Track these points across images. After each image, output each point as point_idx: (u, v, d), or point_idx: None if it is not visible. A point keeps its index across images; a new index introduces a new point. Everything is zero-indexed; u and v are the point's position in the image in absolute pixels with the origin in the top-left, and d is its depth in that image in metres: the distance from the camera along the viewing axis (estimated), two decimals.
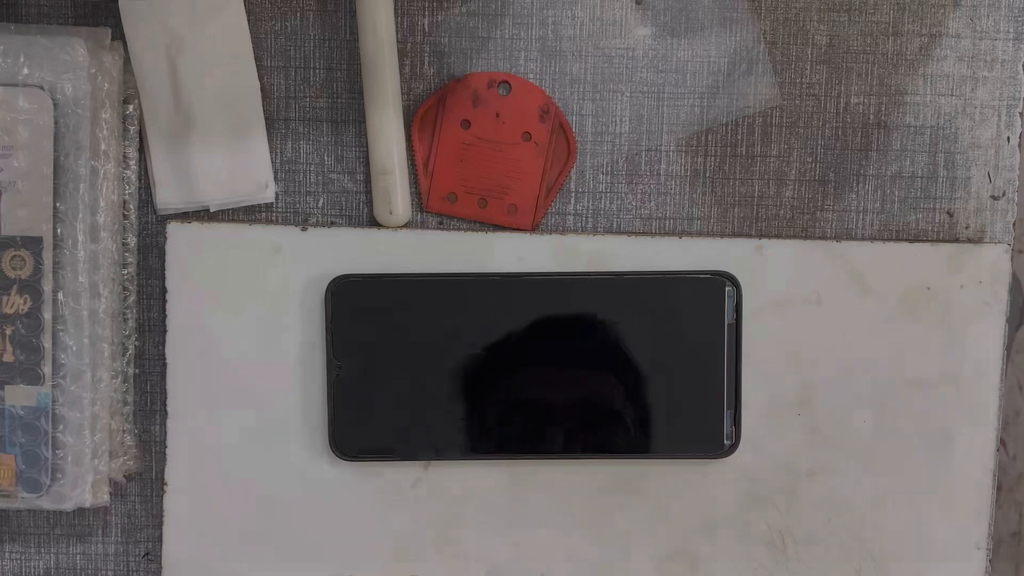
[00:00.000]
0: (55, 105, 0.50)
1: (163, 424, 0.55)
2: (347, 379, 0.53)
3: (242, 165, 0.54)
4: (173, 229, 0.54)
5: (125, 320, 0.54)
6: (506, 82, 0.54)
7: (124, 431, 0.54)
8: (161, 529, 0.55)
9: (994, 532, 0.55)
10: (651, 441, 0.53)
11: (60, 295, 0.51)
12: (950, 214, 0.55)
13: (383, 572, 0.55)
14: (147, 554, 0.55)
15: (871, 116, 0.55)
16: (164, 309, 0.54)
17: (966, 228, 0.55)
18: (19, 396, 0.51)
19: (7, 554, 0.55)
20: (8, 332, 0.51)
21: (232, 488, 0.54)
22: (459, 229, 0.54)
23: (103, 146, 0.51)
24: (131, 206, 0.54)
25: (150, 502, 0.55)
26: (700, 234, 0.55)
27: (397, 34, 0.54)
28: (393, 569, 0.55)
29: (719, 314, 0.53)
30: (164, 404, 0.54)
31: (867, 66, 0.54)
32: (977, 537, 0.55)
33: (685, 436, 0.53)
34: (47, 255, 0.51)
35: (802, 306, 0.54)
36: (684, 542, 0.55)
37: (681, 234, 0.55)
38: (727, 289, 0.53)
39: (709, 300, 0.53)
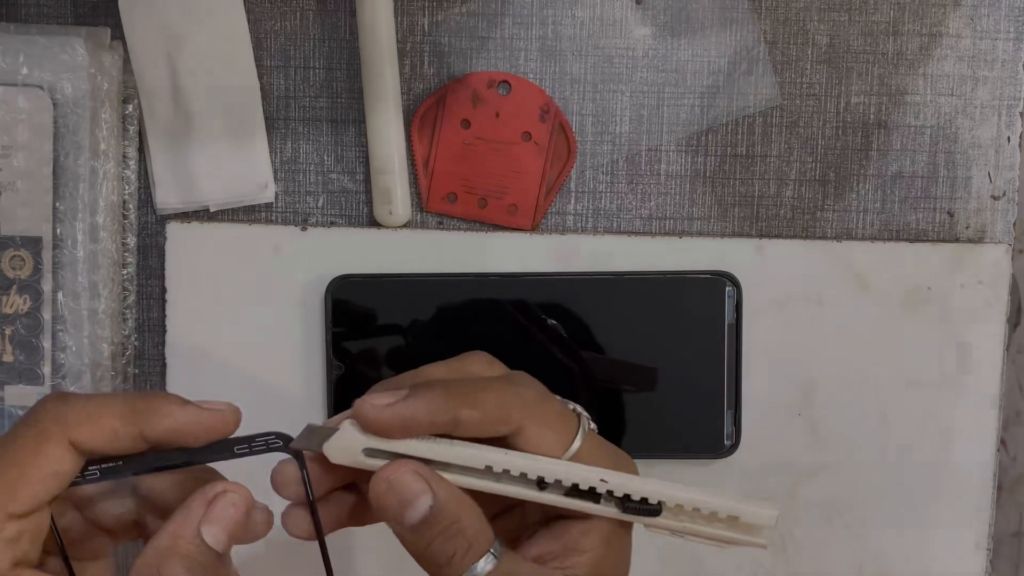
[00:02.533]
0: (55, 105, 0.50)
1: None
2: (347, 379, 0.53)
3: (242, 165, 0.53)
4: (173, 229, 0.54)
5: (125, 320, 0.54)
6: (506, 82, 0.54)
7: None
8: None
9: (994, 532, 0.55)
10: (652, 441, 0.53)
11: (60, 295, 0.51)
12: (950, 214, 0.55)
13: (383, 572, 0.54)
14: None
15: (871, 116, 0.55)
16: (164, 309, 0.54)
17: (966, 228, 0.55)
18: (19, 396, 0.51)
19: None
20: (8, 332, 0.51)
21: None
22: (459, 229, 0.54)
23: (103, 146, 0.51)
24: (131, 206, 0.54)
25: None
26: (700, 234, 0.55)
27: (397, 34, 0.54)
28: (393, 569, 0.55)
29: (719, 314, 0.53)
30: None
31: (867, 66, 0.54)
32: (977, 537, 0.55)
33: (685, 436, 0.53)
34: (47, 255, 0.51)
35: (802, 306, 0.54)
36: (684, 542, 0.55)
37: (681, 234, 0.55)
38: (727, 289, 0.53)
39: (709, 300, 0.53)
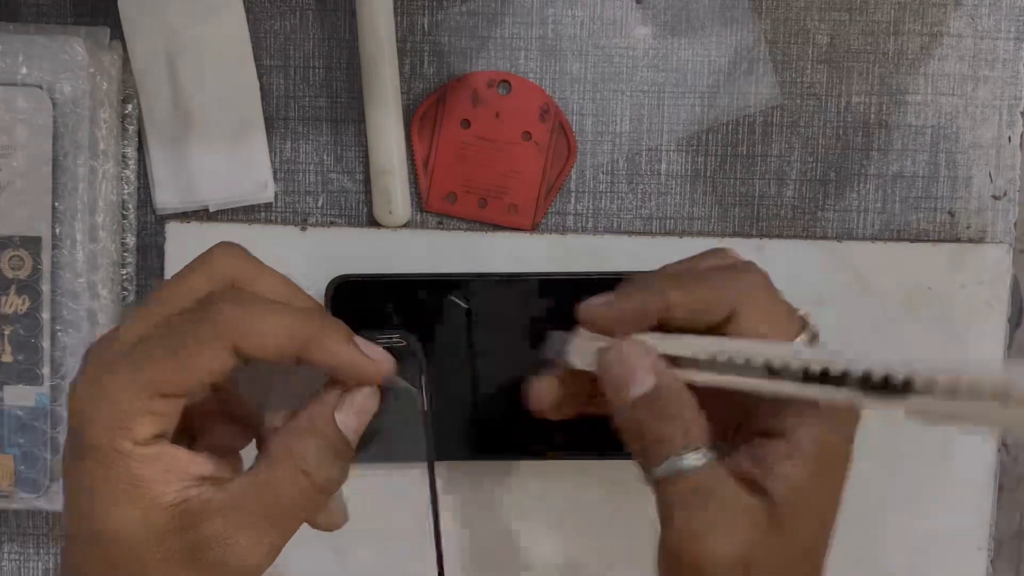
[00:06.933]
0: (54, 105, 0.50)
1: None
2: None
3: (241, 165, 0.53)
4: (172, 229, 0.54)
5: (124, 320, 0.54)
6: (506, 81, 0.54)
7: None
8: None
9: (995, 533, 0.55)
10: None
11: (59, 295, 0.51)
12: (951, 214, 0.55)
13: (382, 573, 0.54)
14: None
15: (872, 115, 0.55)
16: None
17: (967, 228, 0.55)
18: (18, 397, 0.51)
19: (6, 555, 0.55)
20: (7, 333, 0.51)
21: None
22: (459, 229, 0.54)
23: (102, 146, 0.51)
24: (130, 206, 0.54)
25: None
26: (700, 234, 0.55)
27: (397, 34, 0.53)
28: (393, 570, 0.55)
29: None
30: None
31: (868, 65, 0.54)
32: (978, 538, 0.55)
33: None
34: (46, 255, 0.51)
35: (802, 306, 0.54)
36: None
37: (681, 234, 0.54)
38: None
39: None
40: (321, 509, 0.39)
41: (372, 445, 0.41)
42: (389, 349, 0.40)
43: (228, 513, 0.37)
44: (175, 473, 0.37)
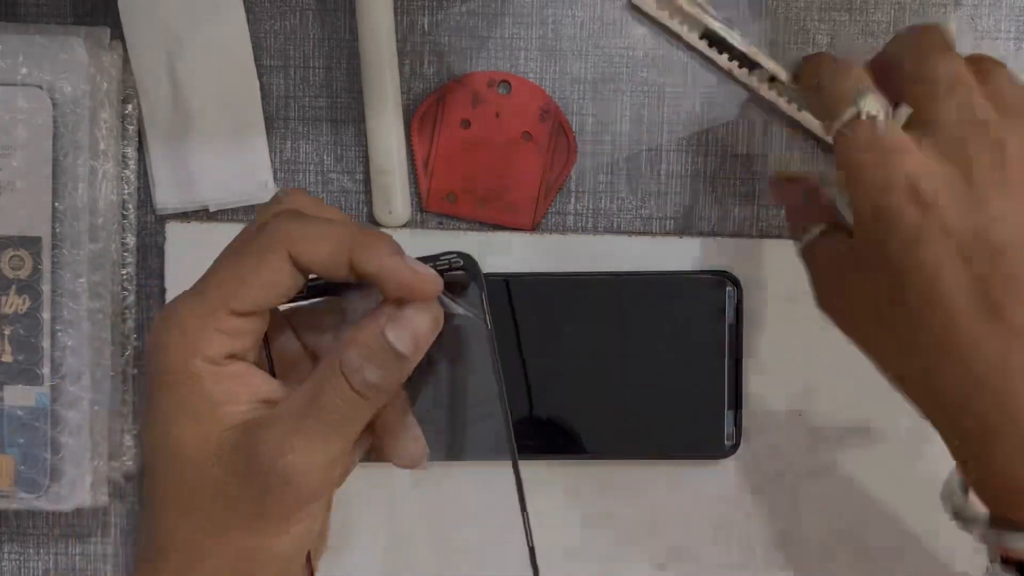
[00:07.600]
0: (54, 105, 0.50)
1: None
2: None
3: (241, 165, 0.53)
4: (172, 229, 0.54)
5: (124, 320, 0.54)
6: (506, 81, 0.54)
7: (124, 431, 0.54)
8: None
9: None
10: (652, 442, 0.53)
11: (59, 295, 0.51)
12: None
13: (382, 573, 0.54)
14: None
15: None
16: None
17: None
18: (18, 397, 0.51)
19: (6, 555, 0.55)
20: (7, 332, 0.51)
21: None
22: (459, 229, 0.54)
23: (102, 146, 0.51)
24: (130, 206, 0.54)
25: None
26: (700, 234, 0.55)
27: (397, 34, 0.53)
28: (392, 570, 0.55)
29: (719, 314, 0.53)
30: None
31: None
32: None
33: (686, 437, 0.53)
34: (46, 255, 0.51)
35: (802, 306, 0.54)
36: (684, 542, 0.55)
37: (681, 234, 0.54)
38: (727, 289, 0.53)
39: (709, 300, 0.53)
40: (366, 420, 0.38)
41: (436, 375, 0.41)
42: (446, 270, 0.39)
43: (277, 424, 0.37)
44: (246, 394, 0.38)
